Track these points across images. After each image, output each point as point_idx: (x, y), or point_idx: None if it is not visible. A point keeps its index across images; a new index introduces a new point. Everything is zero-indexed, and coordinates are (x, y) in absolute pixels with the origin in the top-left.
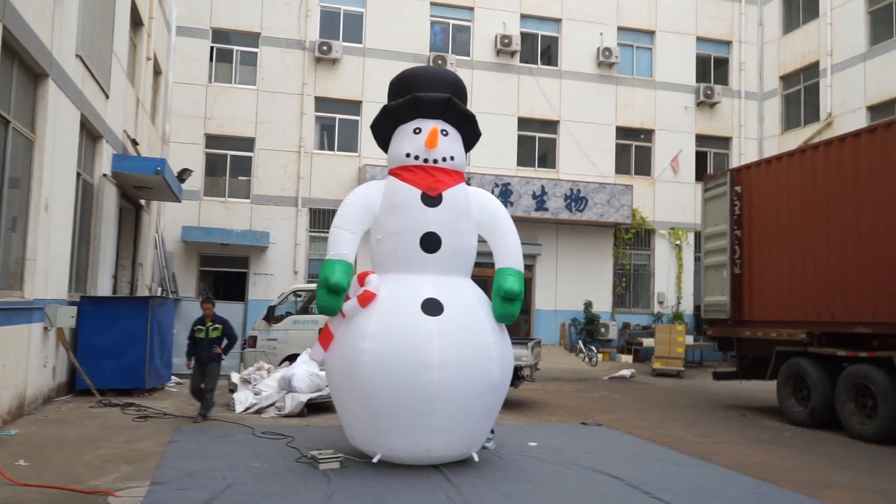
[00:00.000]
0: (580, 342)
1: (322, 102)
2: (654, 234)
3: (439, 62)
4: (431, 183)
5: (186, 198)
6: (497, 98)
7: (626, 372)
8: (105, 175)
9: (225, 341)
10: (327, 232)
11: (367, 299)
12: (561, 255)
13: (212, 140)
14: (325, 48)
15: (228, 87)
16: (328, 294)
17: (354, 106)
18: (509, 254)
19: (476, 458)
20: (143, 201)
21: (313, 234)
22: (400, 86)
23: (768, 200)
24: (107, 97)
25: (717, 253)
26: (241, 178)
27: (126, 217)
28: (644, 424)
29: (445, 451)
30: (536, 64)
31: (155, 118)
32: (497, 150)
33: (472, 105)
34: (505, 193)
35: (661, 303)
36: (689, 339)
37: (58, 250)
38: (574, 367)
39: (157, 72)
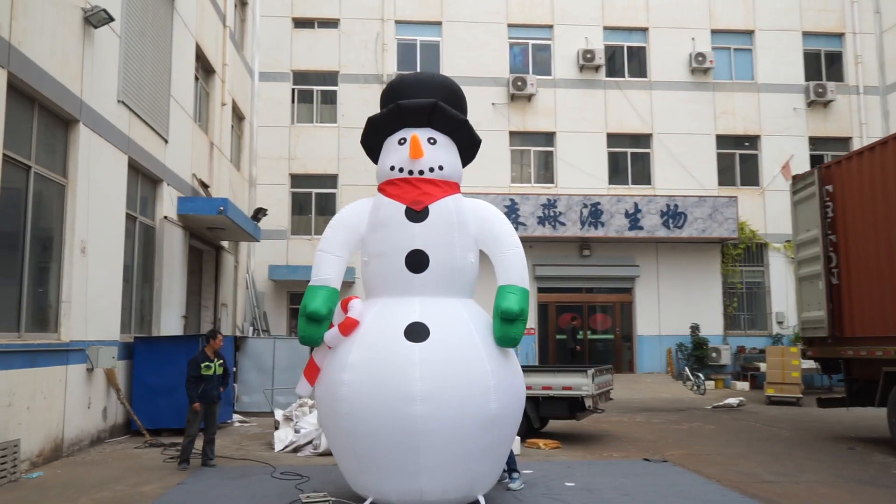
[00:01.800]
0: (686, 369)
1: None
2: (766, 248)
3: (519, 84)
4: (416, 196)
5: (275, 237)
6: (583, 116)
7: (732, 400)
8: (166, 217)
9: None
10: None
11: (348, 327)
12: (662, 275)
13: (297, 179)
14: None
15: (310, 126)
16: (308, 323)
17: None
18: (510, 269)
19: (483, 501)
20: (225, 243)
21: None
22: (388, 95)
23: (864, 198)
24: (165, 142)
25: (811, 262)
26: (326, 215)
27: (207, 259)
28: (720, 460)
29: (442, 494)
30: (624, 77)
31: (240, 162)
32: (586, 170)
33: (557, 125)
34: (595, 214)
35: (780, 323)
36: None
37: (101, 292)
38: (679, 395)
39: (240, 117)
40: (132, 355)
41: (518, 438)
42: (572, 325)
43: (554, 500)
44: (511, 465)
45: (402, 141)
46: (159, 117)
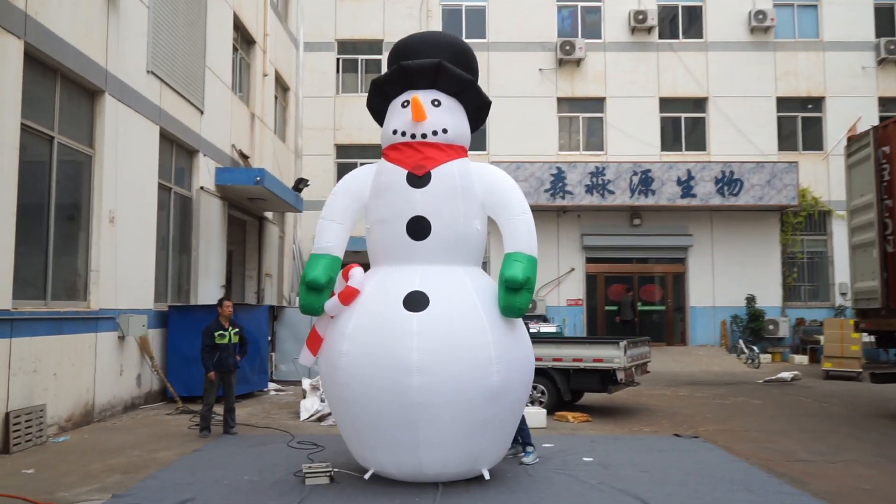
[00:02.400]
0: (741, 342)
1: None
2: (830, 215)
3: (567, 48)
4: (419, 161)
5: (321, 208)
6: (634, 80)
7: (785, 374)
8: (203, 188)
9: (238, 347)
10: None
11: (348, 296)
12: (717, 245)
13: (342, 150)
14: None
15: (355, 96)
16: (308, 292)
17: None
18: (517, 236)
19: (487, 475)
20: (269, 214)
21: None
22: (393, 58)
23: None
24: (201, 112)
25: (865, 229)
26: None
27: (250, 229)
28: (757, 437)
29: (442, 468)
30: (678, 38)
31: (285, 132)
32: (637, 136)
33: (607, 90)
34: (645, 182)
35: (843, 294)
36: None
37: (132, 261)
38: (731, 369)
39: (284, 87)
40: (167, 324)
41: (544, 411)
42: (628, 296)
43: (565, 476)
44: (525, 439)
45: (406, 103)
46: (194, 88)
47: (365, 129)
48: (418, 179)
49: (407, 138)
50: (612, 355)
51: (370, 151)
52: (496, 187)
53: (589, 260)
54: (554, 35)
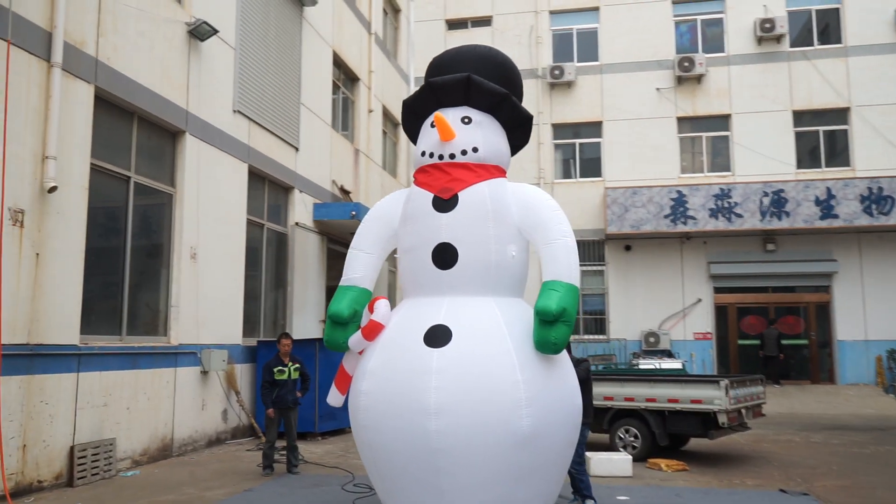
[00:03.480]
0: None
1: (559, 129)
2: None
3: (686, 64)
4: (446, 183)
5: None
6: (763, 94)
7: None
8: (298, 223)
9: (299, 384)
10: (584, 266)
11: (372, 331)
12: (867, 270)
13: None
14: (556, 72)
15: None
16: (332, 326)
17: (594, 128)
18: (555, 261)
19: None
20: None
21: None
22: (429, 75)
23: None
24: (296, 150)
25: None
26: None
27: None
28: (883, 497)
29: None
30: (812, 45)
31: (396, 167)
32: (768, 154)
33: (732, 106)
34: (778, 203)
35: None
36: None
37: (215, 296)
38: (886, 412)
39: (394, 123)
40: (256, 358)
41: (629, 458)
42: (772, 329)
43: None
44: (584, 490)
45: (434, 124)
46: (288, 126)
47: None
48: (444, 203)
49: (435, 160)
50: (712, 396)
51: None
52: (532, 208)
53: (717, 290)
54: (671, 52)
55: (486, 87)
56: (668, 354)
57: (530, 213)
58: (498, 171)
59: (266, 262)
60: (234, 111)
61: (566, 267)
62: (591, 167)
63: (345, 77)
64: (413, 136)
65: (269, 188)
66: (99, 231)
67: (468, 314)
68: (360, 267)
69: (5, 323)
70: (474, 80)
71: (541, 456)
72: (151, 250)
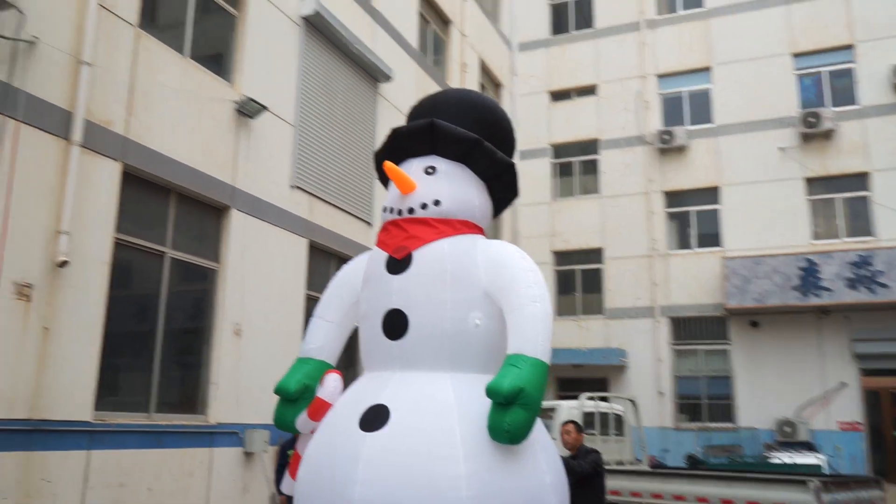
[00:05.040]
0: None
1: (672, 196)
2: None
3: (812, 120)
4: (401, 241)
5: None
6: None
7: None
8: None
9: None
10: (692, 344)
11: (317, 410)
12: None
13: (560, 257)
14: (666, 137)
15: (571, 199)
16: (280, 403)
17: (710, 194)
18: (520, 331)
19: None
20: None
21: (677, 347)
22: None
23: None
24: (369, 225)
25: None
26: (593, 292)
27: None
28: None
29: None
30: None
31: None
32: None
33: (870, 162)
34: None
35: None
36: None
37: (260, 374)
38: None
39: None
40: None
41: None
42: None
43: None
44: None
45: None
46: (358, 201)
47: (582, 234)
48: (397, 264)
49: (395, 215)
50: (798, 500)
51: (592, 256)
52: (500, 267)
53: (865, 371)
54: (794, 107)
55: (452, 132)
56: (808, 447)
57: (498, 274)
58: (465, 227)
59: None
60: (292, 186)
61: (531, 338)
62: (709, 236)
63: None
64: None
65: (335, 264)
66: (126, 306)
67: (413, 393)
68: (319, 337)
69: (3, 397)
70: (438, 125)
71: None
72: (189, 326)
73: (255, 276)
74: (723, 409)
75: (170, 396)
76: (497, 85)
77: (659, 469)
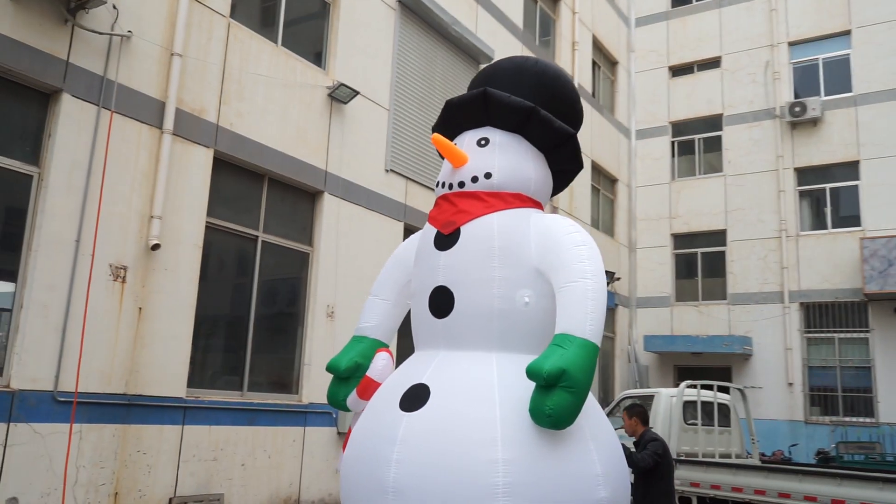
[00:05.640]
0: None
1: (804, 173)
2: None
3: None
4: (450, 216)
5: (657, 305)
6: None
7: None
8: None
9: None
10: (827, 332)
11: (366, 389)
12: None
13: (679, 240)
14: (797, 109)
15: (692, 180)
16: (333, 381)
17: (848, 168)
18: (568, 310)
19: None
20: None
21: (810, 335)
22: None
23: None
24: None
25: None
26: (715, 277)
27: None
28: None
29: None
30: None
31: (614, 227)
32: None
33: None
34: None
35: None
36: None
37: None
38: None
39: (611, 179)
40: None
41: None
42: None
43: None
44: None
45: None
46: None
47: (704, 215)
48: (445, 240)
49: (446, 189)
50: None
51: (712, 239)
52: (551, 242)
53: None
54: None
55: (505, 101)
56: None
57: (549, 250)
58: (518, 201)
59: None
60: (388, 170)
61: (580, 317)
62: (847, 216)
63: None
64: None
65: None
66: (219, 287)
67: (456, 373)
68: (374, 315)
69: (101, 373)
70: (491, 95)
71: None
72: (282, 308)
73: (348, 259)
74: (861, 402)
75: (263, 376)
76: (613, 62)
77: (779, 464)
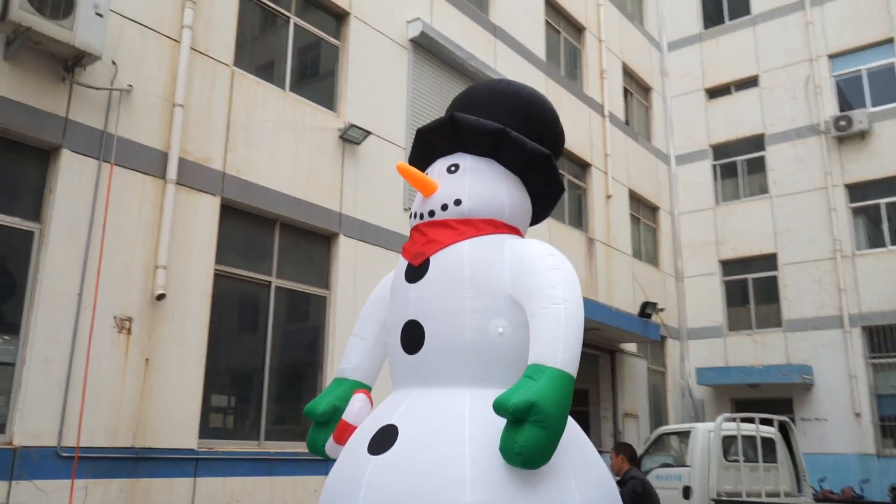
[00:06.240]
0: None
1: (856, 189)
2: None
3: None
4: (420, 247)
5: (709, 335)
6: None
7: None
8: None
9: None
10: (893, 357)
11: (342, 433)
12: None
13: (728, 266)
14: (843, 123)
15: (737, 203)
16: (313, 427)
17: None
18: (540, 338)
19: None
20: (627, 346)
21: (875, 360)
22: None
23: None
24: None
25: None
26: (769, 304)
27: (602, 364)
28: None
29: None
30: None
31: (658, 257)
32: None
33: None
34: None
35: None
36: None
37: (377, 402)
38: None
39: (652, 207)
40: None
41: None
42: None
43: None
44: None
45: None
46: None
47: (754, 239)
48: (415, 271)
49: (417, 220)
50: None
51: (764, 263)
52: (522, 268)
53: None
54: None
55: (472, 125)
56: None
57: (521, 276)
58: (491, 227)
59: None
60: (406, 209)
61: (552, 345)
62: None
63: (571, 164)
64: None
65: None
66: (232, 335)
67: (426, 410)
68: (355, 355)
69: (106, 426)
70: (459, 119)
71: None
72: (299, 353)
73: (364, 302)
74: None
75: (281, 424)
76: (646, 89)
77: (836, 503)
